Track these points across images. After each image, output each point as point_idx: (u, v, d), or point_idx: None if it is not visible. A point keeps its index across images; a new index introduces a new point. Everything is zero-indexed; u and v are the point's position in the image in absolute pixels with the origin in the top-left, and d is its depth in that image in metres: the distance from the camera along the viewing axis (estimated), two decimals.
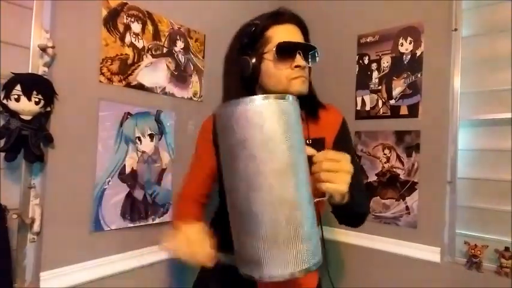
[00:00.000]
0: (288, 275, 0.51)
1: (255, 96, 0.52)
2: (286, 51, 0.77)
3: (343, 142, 0.87)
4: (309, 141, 0.82)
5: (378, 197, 1.54)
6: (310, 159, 0.59)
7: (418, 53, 1.45)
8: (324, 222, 1.68)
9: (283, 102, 0.53)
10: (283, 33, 0.79)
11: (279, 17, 0.80)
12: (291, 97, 0.54)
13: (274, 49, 0.76)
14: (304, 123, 0.84)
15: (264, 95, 0.52)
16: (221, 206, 0.94)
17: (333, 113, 0.91)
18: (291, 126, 0.53)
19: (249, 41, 0.79)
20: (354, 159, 0.86)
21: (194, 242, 0.67)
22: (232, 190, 0.55)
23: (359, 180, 0.81)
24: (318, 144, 0.83)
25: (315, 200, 0.58)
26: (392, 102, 1.52)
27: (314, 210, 0.56)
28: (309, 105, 0.85)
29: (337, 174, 0.59)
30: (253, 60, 0.78)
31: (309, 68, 0.84)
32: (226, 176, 0.56)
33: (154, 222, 1.27)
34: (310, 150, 0.60)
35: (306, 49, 0.80)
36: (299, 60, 0.77)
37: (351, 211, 0.76)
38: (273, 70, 0.78)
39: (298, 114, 0.56)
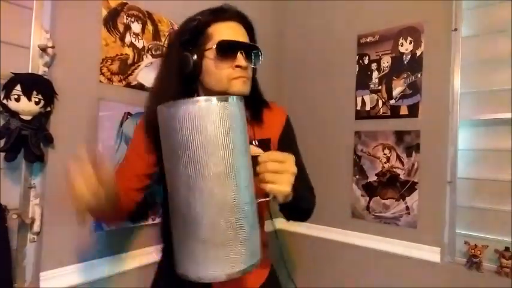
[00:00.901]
0: (225, 276, 0.51)
1: (198, 98, 0.51)
2: (227, 50, 0.75)
3: (287, 141, 0.88)
4: (255, 142, 0.81)
5: (378, 197, 1.54)
6: (255, 159, 0.59)
7: (418, 53, 1.45)
8: (323, 222, 1.67)
9: (226, 104, 0.52)
10: (224, 31, 0.76)
11: (221, 13, 0.78)
12: (235, 98, 0.54)
13: (214, 47, 0.74)
14: (249, 125, 0.84)
15: (207, 97, 0.51)
16: (165, 210, 0.90)
17: (277, 113, 0.90)
18: (235, 128, 0.52)
19: (190, 37, 0.76)
20: (298, 157, 0.86)
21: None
22: (173, 191, 0.54)
23: (304, 177, 0.81)
24: (264, 145, 0.83)
25: (258, 201, 0.58)
26: (392, 102, 1.52)
27: (256, 211, 0.57)
28: (253, 106, 0.84)
29: (281, 175, 0.60)
30: (195, 57, 0.75)
31: (254, 68, 0.81)
32: (168, 177, 0.55)
33: (154, 222, 1.26)
34: (256, 151, 0.61)
35: (249, 49, 0.78)
36: (240, 60, 0.75)
37: (296, 208, 0.77)
38: (214, 69, 0.76)
39: (243, 115, 0.55)
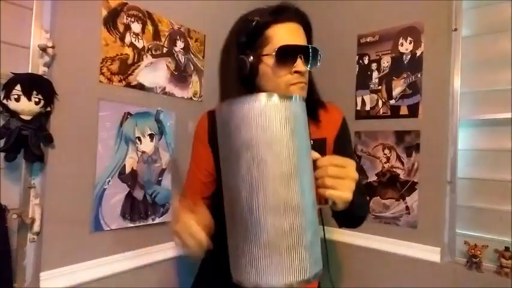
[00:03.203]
0: (286, 285, 0.49)
1: (260, 95, 0.48)
2: (286, 55, 0.72)
3: (343, 142, 0.85)
4: (310, 142, 0.81)
5: (378, 197, 1.54)
6: (314, 163, 0.57)
7: (418, 53, 1.45)
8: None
9: (290, 102, 0.50)
10: (284, 34, 0.73)
11: (280, 14, 0.74)
12: (298, 97, 0.52)
13: (274, 54, 0.72)
14: None
15: (270, 93, 0.49)
16: (214, 208, 0.91)
17: (333, 113, 0.89)
18: (298, 128, 0.50)
19: (246, 39, 0.74)
20: (355, 159, 0.84)
21: (190, 226, 0.62)
22: (232, 194, 0.51)
23: (361, 183, 0.80)
24: (319, 145, 0.81)
25: (318, 207, 0.55)
26: (392, 102, 1.52)
27: (317, 217, 0.54)
28: (309, 105, 0.84)
29: (343, 181, 0.57)
30: (251, 59, 0.73)
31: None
32: (227, 179, 0.53)
33: (154, 222, 1.27)
34: (314, 154, 0.58)
35: (308, 51, 0.75)
36: (300, 65, 0.72)
37: (352, 215, 0.74)
38: (272, 74, 0.74)
39: (305, 116, 0.53)
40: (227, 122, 0.50)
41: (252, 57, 0.74)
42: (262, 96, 0.48)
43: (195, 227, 0.60)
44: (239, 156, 0.49)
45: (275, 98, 0.49)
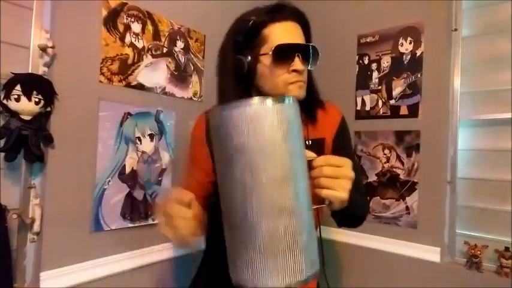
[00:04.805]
0: (284, 286, 0.49)
1: (253, 99, 0.49)
2: (284, 54, 0.71)
3: (341, 142, 0.85)
4: (308, 142, 0.78)
5: (378, 197, 1.54)
6: (309, 163, 0.56)
7: (418, 53, 1.45)
8: (323, 222, 1.67)
9: (283, 105, 0.50)
10: (281, 33, 0.72)
11: (277, 13, 0.73)
12: (291, 99, 0.52)
13: (271, 53, 0.71)
14: (303, 124, 0.83)
15: (263, 97, 0.49)
16: (213, 209, 0.90)
17: (332, 112, 0.88)
18: (292, 131, 0.50)
19: (243, 39, 0.74)
20: (354, 159, 0.83)
21: (179, 214, 0.58)
22: (227, 198, 0.52)
23: (359, 182, 0.78)
24: (317, 145, 0.80)
25: (314, 207, 0.55)
26: (392, 102, 1.52)
27: (313, 217, 0.54)
28: (308, 105, 0.81)
29: (338, 180, 0.57)
30: (248, 59, 0.73)
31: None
32: (222, 182, 0.53)
33: (154, 222, 1.26)
34: (310, 154, 0.58)
35: (306, 50, 0.75)
36: (297, 64, 0.72)
37: (351, 214, 0.74)
38: (269, 74, 0.73)
39: (299, 117, 0.53)
40: (220, 128, 0.50)
41: (249, 57, 0.73)
42: (253, 101, 0.48)
43: (188, 213, 0.58)
44: (232, 162, 0.49)
45: (266, 102, 0.49)
